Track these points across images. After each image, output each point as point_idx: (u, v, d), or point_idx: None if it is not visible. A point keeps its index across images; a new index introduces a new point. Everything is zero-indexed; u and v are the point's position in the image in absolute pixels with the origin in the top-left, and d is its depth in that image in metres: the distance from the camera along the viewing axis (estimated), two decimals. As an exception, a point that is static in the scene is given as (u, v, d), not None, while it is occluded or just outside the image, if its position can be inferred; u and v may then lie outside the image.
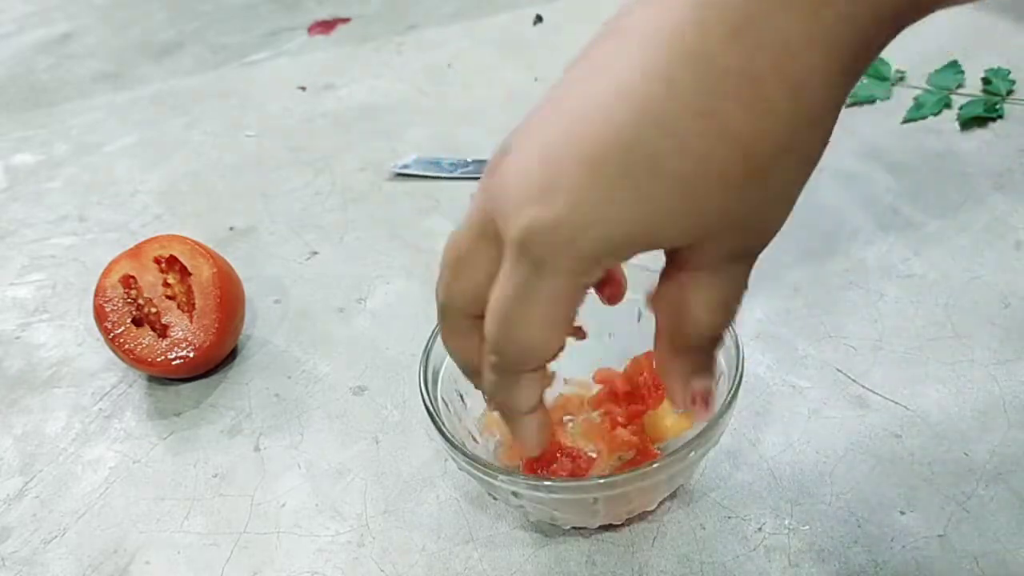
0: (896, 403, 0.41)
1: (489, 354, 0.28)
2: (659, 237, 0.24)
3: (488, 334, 0.28)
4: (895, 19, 0.22)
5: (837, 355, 0.44)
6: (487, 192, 0.27)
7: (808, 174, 0.24)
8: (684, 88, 0.22)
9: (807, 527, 0.36)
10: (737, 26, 0.21)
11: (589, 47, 0.25)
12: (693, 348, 0.28)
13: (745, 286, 0.27)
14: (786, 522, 0.37)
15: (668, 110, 0.22)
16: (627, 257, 0.25)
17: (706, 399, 0.29)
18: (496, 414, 0.32)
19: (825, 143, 0.24)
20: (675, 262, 0.26)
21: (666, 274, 0.27)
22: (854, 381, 0.43)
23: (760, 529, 0.37)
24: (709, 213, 0.23)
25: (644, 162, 0.23)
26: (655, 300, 0.28)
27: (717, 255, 0.25)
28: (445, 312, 0.30)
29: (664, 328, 0.28)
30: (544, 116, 0.26)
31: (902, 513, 0.36)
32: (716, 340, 0.28)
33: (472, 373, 0.32)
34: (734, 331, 0.35)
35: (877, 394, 0.42)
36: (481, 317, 0.28)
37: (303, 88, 0.80)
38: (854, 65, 0.22)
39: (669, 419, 0.36)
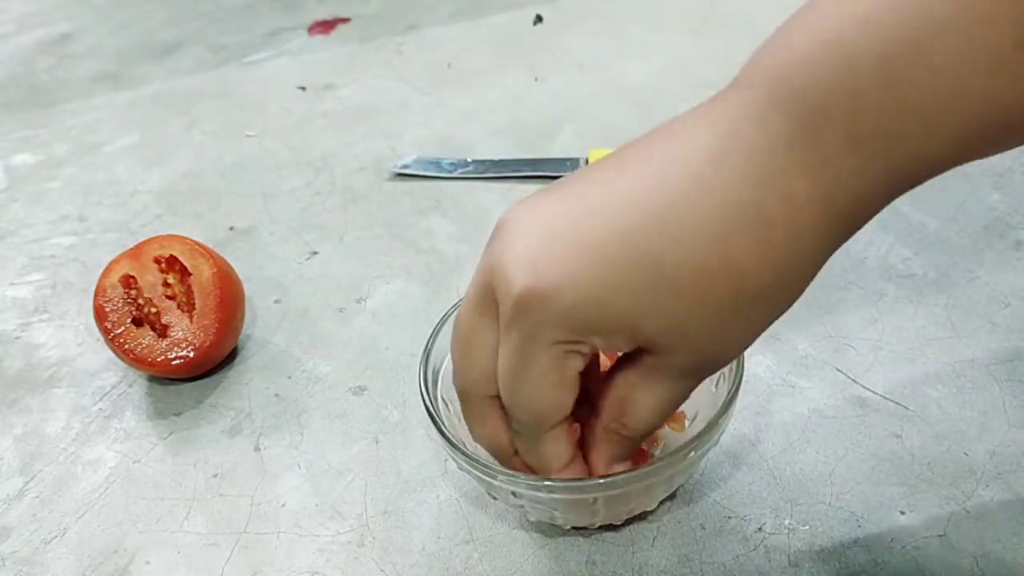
0: (896, 403, 0.41)
1: (512, 420, 0.30)
2: (642, 333, 0.26)
3: (504, 401, 0.29)
4: (888, 191, 0.24)
5: (837, 355, 0.44)
6: (486, 262, 0.28)
7: (780, 314, 0.27)
8: (700, 210, 0.24)
9: (807, 527, 0.36)
10: (755, 174, 0.24)
11: (623, 149, 0.27)
12: (624, 438, 0.30)
13: (686, 399, 0.29)
14: (786, 522, 0.37)
15: (682, 224, 0.24)
16: (613, 344, 0.27)
17: None
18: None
19: (804, 289, 0.26)
20: (633, 360, 0.28)
21: (618, 368, 0.29)
22: (854, 381, 0.43)
23: (760, 529, 0.37)
24: (691, 324, 0.26)
25: (647, 262, 0.25)
26: (602, 389, 0.30)
27: (679, 366, 0.27)
28: (464, 397, 0.31)
29: (604, 414, 0.30)
30: (552, 197, 0.27)
31: (902, 513, 0.36)
32: (646, 436, 0.30)
33: (503, 457, 0.33)
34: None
35: (877, 394, 0.42)
36: (498, 396, 0.30)
37: (303, 88, 0.80)
38: (848, 225, 0.25)
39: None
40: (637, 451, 0.37)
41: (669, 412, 0.29)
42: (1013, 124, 0.23)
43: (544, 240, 0.26)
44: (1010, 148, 0.24)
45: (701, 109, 0.26)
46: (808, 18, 0.24)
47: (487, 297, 0.28)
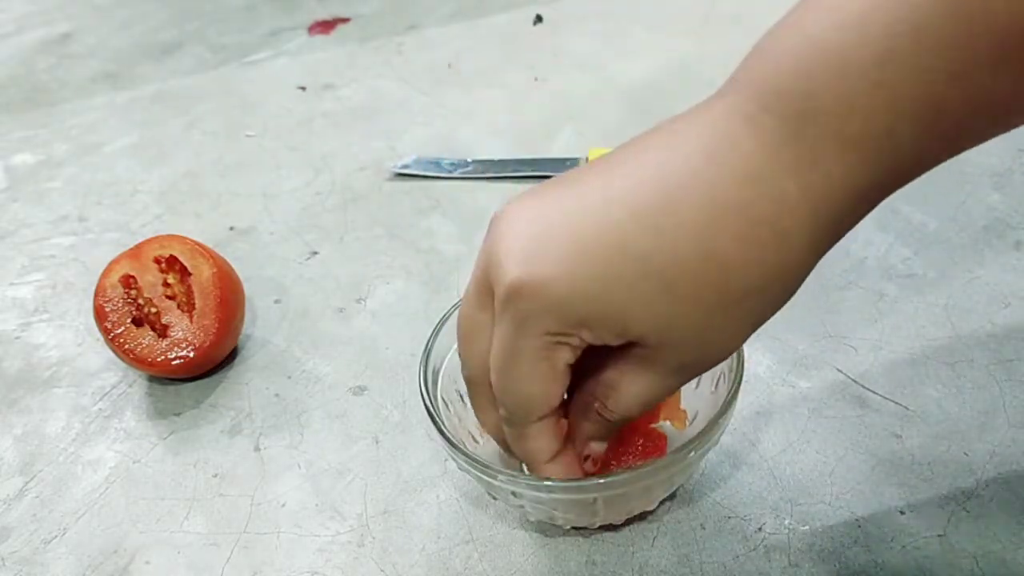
0: (896, 403, 0.41)
1: (500, 408, 0.30)
2: (630, 328, 0.26)
3: (494, 389, 0.30)
4: (878, 190, 0.24)
5: (837, 355, 0.44)
6: (482, 255, 0.28)
7: (768, 317, 0.27)
8: (689, 207, 0.24)
9: (807, 527, 0.36)
10: (746, 174, 0.24)
11: (618, 149, 0.27)
12: (604, 420, 0.30)
13: (672, 393, 0.30)
14: (786, 522, 0.37)
15: (672, 221, 0.25)
16: (602, 338, 0.27)
17: (596, 461, 0.33)
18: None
19: (793, 292, 0.26)
20: (623, 349, 0.28)
21: (608, 355, 0.29)
22: (854, 381, 0.43)
23: (760, 529, 0.37)
24: (679, 322, 0.26)
25: (636, 259, 0.25)
26: (590, 372, 0.30)
27: (667, 361, 0.27)
28: (470, 385, 0.32)
29: (588, 395, 0.30)
30: (547, 193, 0.28)
31: (902, 513, 0.36)
32: (625, 423, 0.31)
33: (505, 445, 0.33)
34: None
35: (877, 394, 0.42)
36: None
37: (303, 88, 0.80)
38: (836, 227, 0.25)
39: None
40: (655, 443, 0.37)
41: (652, 404, 0.29)
42: (1012, 117, 0.23)
43: (537, 233, 0.26)
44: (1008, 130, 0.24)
45: (696, 110, 0.26)
46: (798, 19, 0.24)
47: (484, 289, 0.28)
